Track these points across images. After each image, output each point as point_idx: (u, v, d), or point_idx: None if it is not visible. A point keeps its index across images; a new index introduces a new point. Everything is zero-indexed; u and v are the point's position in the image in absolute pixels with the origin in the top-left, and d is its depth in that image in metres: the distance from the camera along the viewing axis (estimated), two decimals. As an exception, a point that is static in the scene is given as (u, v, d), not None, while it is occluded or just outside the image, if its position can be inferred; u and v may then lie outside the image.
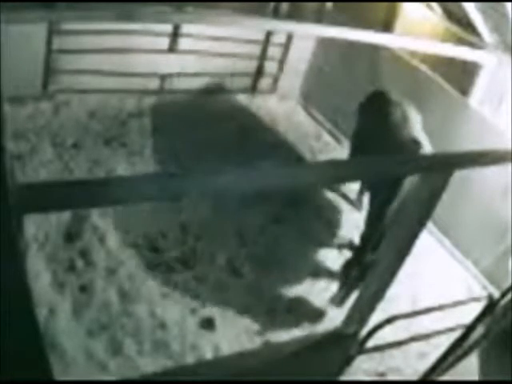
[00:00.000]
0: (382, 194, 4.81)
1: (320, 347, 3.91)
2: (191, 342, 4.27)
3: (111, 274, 4.56)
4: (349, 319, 3.89)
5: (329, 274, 5.30)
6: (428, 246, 5.71)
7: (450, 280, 5.61)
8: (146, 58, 6.75)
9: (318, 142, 7.44)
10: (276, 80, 7.99)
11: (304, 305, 4.89)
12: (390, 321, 3.13)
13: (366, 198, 5.73)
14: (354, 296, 4.57)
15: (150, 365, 3.98)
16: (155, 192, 1.97)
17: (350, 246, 4.87)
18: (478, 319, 2.98)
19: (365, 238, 4.84)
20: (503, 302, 3.06)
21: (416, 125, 5.22)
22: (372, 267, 4.67)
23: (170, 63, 7.03)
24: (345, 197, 6.24)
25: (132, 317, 4.28)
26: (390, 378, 4.43)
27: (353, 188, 6.27)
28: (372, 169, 2.84)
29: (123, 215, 4.98)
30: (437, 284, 5.42)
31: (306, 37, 7.41)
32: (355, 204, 6.17)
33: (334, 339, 3.88)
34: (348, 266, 4.71)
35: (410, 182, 4.58)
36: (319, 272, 5.30)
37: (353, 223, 5.90)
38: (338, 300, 4.74)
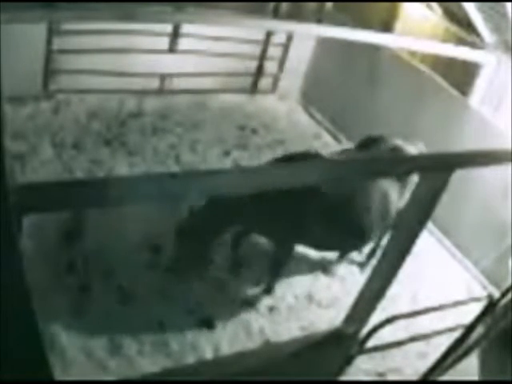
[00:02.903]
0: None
1: (320, 347, 3.90)
2: (191, 342, 4.28)
3: (111, 274, 4.56)
4: (349, 319, 3.89)
5: (330, 272, 5.31)
6: (428, 246, 5.71)
7: (450, 280, 5.61)
8: (146, 58, 6.75)
9: (318, 141, 7.44)
10: (276, 80, 8.00)
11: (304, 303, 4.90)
12: (390, 321, 3.14)
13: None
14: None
15: (149, 365, 3.99)
16: (155, 192, 1.97)
17: None
18: (478, 319, 2.98)
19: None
20: (503, 301, 3.06)
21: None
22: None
23: (169, 63, 7.03)
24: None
25: (132, 317, 4.28)
26: (390, 378, 4.43)
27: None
28: (372, 169, 2.84)
29: (123, 215, 4.97)
30: (437, 284, 5.42)
31: (305, 37, 7.41)
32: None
33: (334, 339, 3.87)
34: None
35: None
36: (320, 270, 5.30)
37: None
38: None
